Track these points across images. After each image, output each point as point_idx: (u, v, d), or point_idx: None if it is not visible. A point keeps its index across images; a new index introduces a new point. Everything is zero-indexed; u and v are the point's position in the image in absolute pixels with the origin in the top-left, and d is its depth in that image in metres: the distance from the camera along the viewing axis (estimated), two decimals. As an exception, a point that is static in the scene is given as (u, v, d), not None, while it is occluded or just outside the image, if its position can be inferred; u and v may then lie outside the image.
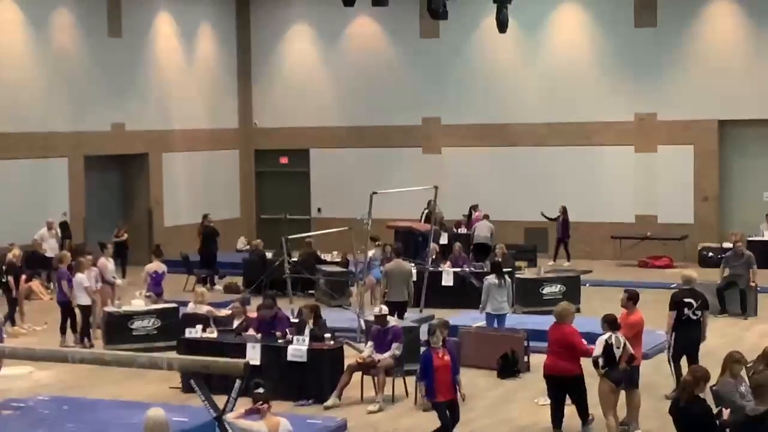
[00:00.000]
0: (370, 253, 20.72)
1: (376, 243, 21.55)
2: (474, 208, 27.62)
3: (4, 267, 20.15)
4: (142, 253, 26.51)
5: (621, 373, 12.24)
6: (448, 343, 12.35)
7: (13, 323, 19.76)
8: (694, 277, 14.88)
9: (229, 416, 9.59)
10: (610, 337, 12.20)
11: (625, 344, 12.28)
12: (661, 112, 28.28)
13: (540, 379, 15.18)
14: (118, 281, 20.89)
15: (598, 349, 12.14)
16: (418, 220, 27.26)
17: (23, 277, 20.55)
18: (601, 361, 12.09)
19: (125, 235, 26.22)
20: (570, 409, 12.73)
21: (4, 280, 19.95)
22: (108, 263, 20.24)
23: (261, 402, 9.30)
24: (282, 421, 9.36)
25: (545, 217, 27.49)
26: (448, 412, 12.08)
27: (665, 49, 28.21)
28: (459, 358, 13.44)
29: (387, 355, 14.58)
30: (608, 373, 12.11)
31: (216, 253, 25.44)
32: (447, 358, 12.02)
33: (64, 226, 25.50)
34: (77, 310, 18.56)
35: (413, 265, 20.54)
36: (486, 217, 27.06)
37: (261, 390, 9.54)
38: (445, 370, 11.99)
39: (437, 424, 13.33)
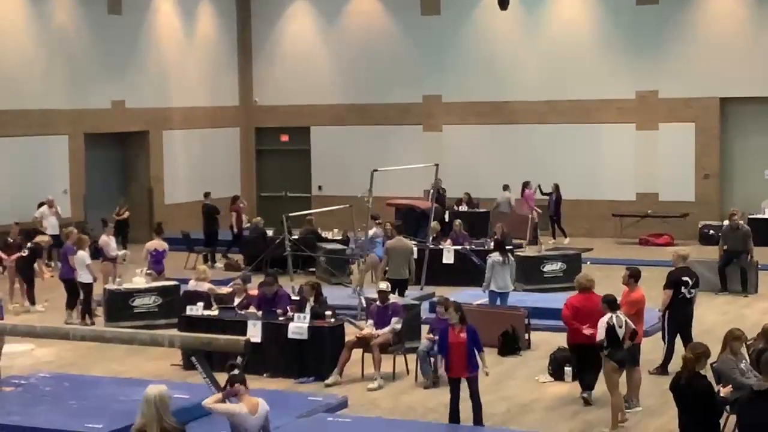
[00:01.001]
0: (371, 231, 20.72)
1: (377, 222, 21.50)
2: (526, 184, 27.40)
3: (30, 247, 20.25)
4: (143, 231, 26.52)
5: (625, 353, 12.26)
6: (470, 325, 12.25)
7: (33, 302, 19.84)
8: (689, 255, 14.97)
9: (207, 401, 9.60)
10: (611, 318, 12.21)
11: (626, 322, 12.31)
12: (663, 89, 28.21)
13: (540, 356, 15.28)
14: (122, 252, 20.88)
15: (600, 332, 12.15)
16: (421, 197, 27.24)
17: (17, 255, 20.51)
18: (604, 342, 12.13)
19: (126, 213, 26.23)
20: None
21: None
22: (109, 240, 20.25)
23: (239, 384, 9.30)
24: (260, 401, 9.37)
25: (541, 191, 27.45)
26: (469, 390, 12.06)
27: (667, 26, 28.12)
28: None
29: (386, 330, 14.59)
30: (611, 353, 12.14)
31: (216, 230, 25.42)
32: (463, 335, 12.00)
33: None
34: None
35: (414, 242, 20.54)
36: (506, 187, 27.07)
37: (236, 372, 9.56)
38: (459, 347, 11.98)
39: (438, 401, 13.40)
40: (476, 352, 12.09)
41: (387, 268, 18.61)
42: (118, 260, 20.46)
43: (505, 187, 27.46)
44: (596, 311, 12.60)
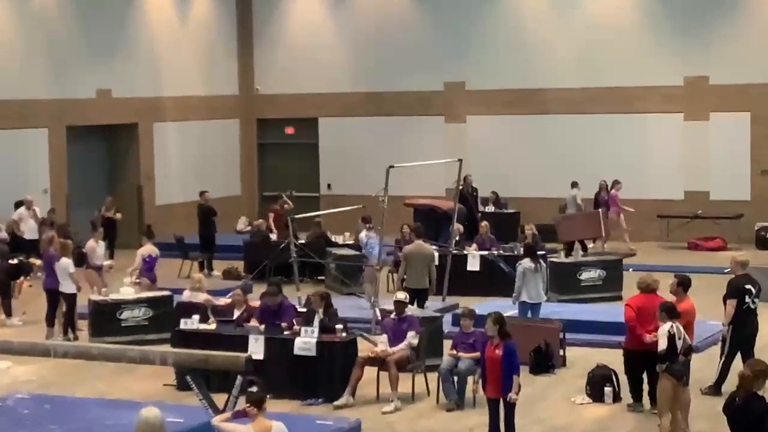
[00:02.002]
0: (362, 234, 20.69)
1: (368, 225, 21.33)
2: (614, 183, 27.25)
3: (21, 261, 20.47)
4: (131, 235, 26.55)
5: (682, 366, 12.29)
6: (510, 341, 12.20)
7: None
8: (749, 261, 14.98)
9: (215, 419, 9.60)
10: (672, 327, 12.25)
11: (684, 335, 12.37)
12: (714, 74, 28.13)
13: (577, 375, 15.25)
14: (107, 263, 20.94)
15: (662, 341, 12.21)
16: (443, 197, 27.27)
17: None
18: (664, 353, 12.21)
19: (118, 215, 26.13)
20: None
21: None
22: (97, 246, 20.29)
23: (249, 405, 9.25)
24: (275, 426, 9.24)
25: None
26: (504, 413, 12.05)
27: (719, 3, 28.04)
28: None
29: (402, 345, 14.59)
30: (669, 367, 12.17)
31: (214, 234, 25.44)
32: (498, 352, 12.01)
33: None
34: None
35: (435, 247, 20.53)
36: (575, 184, 27.24)
37: (255, 389, 9.53)
38: (493, 363, 12.02)
39: (462, 425, 13.39)
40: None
41: (405, 277, 18.57)
42: (105, 269, 20.50)
43: (574, 184, 27.38)
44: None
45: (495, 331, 12.13)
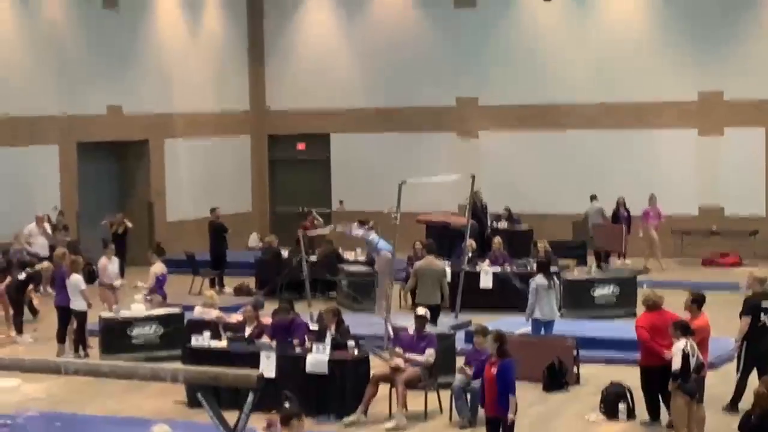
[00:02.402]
0: (359, 232, 20.75)
1: (368, 226, 21.41)
2: (651, 199, 27.22)
3: (29, 273, 20.59)
4: (142, 251, 26.57)
5: (694, 384, 12.29)
6: (506, 360, 12.17)
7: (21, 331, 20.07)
8: (767, 278, 14.96)
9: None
10: (686, 345, 12.26)
11: (698, 352, 12.38)
12: (729, 89, 28.10)
13: (590, 392, 15.25)
14: (117, 282, 20.99)
15: (677, 360, 12.22)
16: (456, 213, 27.26)
17: (8, 279, 20.68)
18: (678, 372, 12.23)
19: (129, 224, 26.19)
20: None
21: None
22: (109, 264, 20.33)
23: (282, 417, 9.27)
24: None
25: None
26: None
27: (733, 19, 28.03)
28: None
29: (419, 358, 14.57)
30: (682, 385, 12.18)
31: (225, 251, 25.49)
32: (494, 371, 12.00)
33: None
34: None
35: (447, 263, 20.53)
36: (594, 197, 27.31)
37: (287, 404, 9.57)
38: (490, 383, 12.01)
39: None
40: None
41: (415, 292, 18.58)
42: (117, 286, 20.55)
43: (593, 197, 27.41)
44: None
45: (494, 349, 12.13)
